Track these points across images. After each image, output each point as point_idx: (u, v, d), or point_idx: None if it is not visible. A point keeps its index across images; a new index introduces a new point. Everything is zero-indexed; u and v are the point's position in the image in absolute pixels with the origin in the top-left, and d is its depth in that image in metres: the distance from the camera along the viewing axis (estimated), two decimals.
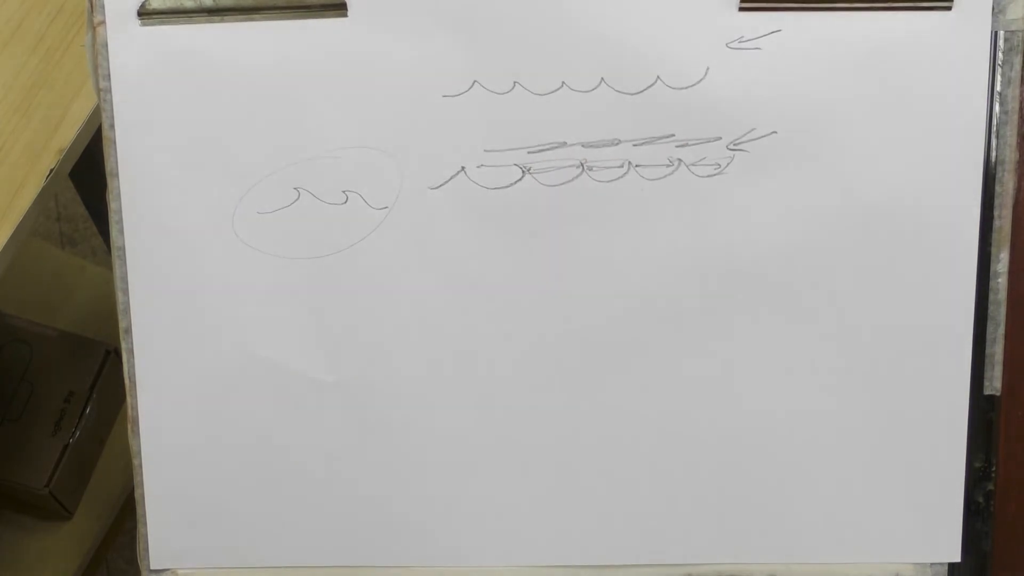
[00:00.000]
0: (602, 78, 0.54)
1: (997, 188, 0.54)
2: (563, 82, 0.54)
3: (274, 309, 0.56)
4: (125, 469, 1.06)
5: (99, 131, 0.56)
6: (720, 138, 0.54)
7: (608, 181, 0.54)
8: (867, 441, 0.56)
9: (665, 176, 0.54)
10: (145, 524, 0.58)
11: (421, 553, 0.58)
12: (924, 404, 0.56)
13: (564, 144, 0.54)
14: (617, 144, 0.54)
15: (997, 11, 0.53)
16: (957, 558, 0.57)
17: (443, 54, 0.54)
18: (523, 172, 0.55)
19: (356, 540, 0.58)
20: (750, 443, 0.56)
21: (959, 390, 0.56)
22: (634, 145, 0.54)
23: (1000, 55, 0.53)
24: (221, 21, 0.54)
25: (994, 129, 0.54)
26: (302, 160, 0.55)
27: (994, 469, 0.57)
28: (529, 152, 0.54)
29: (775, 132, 0.54)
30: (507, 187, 0.55)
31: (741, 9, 0.53)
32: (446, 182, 0.55)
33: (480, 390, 0.56)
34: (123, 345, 0.57)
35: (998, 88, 0.54)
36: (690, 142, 0.54)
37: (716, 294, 0.54)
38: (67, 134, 0.69)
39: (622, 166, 0.54)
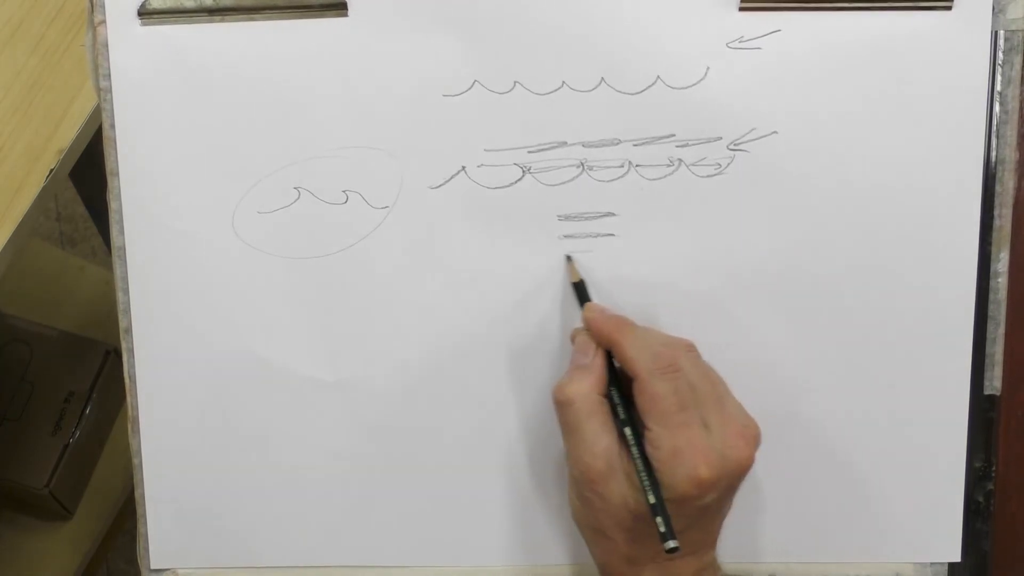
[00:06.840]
0: (602, 78, 0.54)
1: (997, 188, 0.54)
2: (563, 82, 0.54)
3: (274, 309, 0.56)
4: (125, 469, 1.06)
5: (99, 131, 0.56)
6: (720, 138, 0.54)
7: (608, 181, 0.54)
8: (867, 441, 0.56)
9: (665, 176, 0.54)
10: (145, 524, 0.58)
11: (421, 553, 0.58)
12: (924, 404, 0.56)
13: (564, 144, 0.54)
14: (617, 144, 0.54)
15: (997, 11, 0.53)
16: (957, 558, 0.57)
17: (443, 54, 0.54)
18: (523, 172, 0.55)
19: (356, 540, 0.58)
20: None
21: (959, 390, 0.56)
22: (634, 145, 0.54)
23: (1000, 55, 0.53)
24: (221, 21, 0.54)
25: (994, 129, 0.54)
26: (302, 160, 0.55)
27: (994, 469, 0.57)
28: (529, 152, 0.55)
29: (775, 132, 0.54)
30: (507, 186, 0.55)
31: (741, 9, 0.53)
32: (446, 182, 0.55)
33: (480, 389, 0.56)
34: (123, 345, 0.57)
35: (998, 88, 0.54)
36: (690, 142, 0.54)
37: (715, 294, 0.54)
38: (67, 134, 0.69)
39: (622, 166, 0.54)
